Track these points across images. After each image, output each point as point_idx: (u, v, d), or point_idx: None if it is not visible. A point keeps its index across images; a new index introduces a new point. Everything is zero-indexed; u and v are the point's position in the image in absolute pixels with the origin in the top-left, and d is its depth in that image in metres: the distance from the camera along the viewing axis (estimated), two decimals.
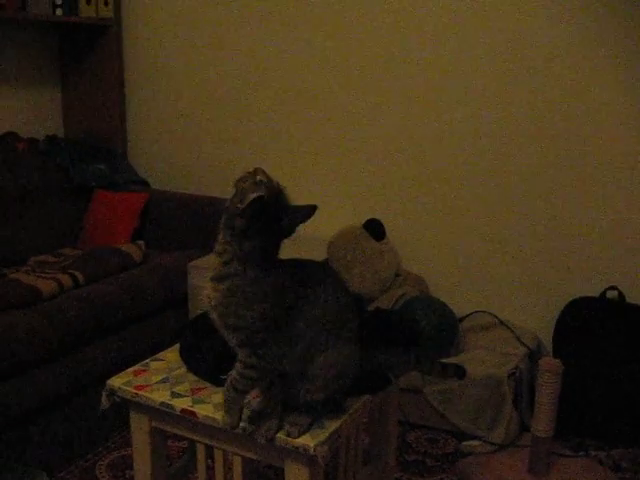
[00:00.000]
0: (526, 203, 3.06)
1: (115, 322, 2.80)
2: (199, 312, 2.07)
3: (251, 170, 1.42)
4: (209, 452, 1.73)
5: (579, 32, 2.85)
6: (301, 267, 1.51)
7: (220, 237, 1.44)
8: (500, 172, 3.08)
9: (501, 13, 2.96)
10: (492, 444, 2.68)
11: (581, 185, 2.96)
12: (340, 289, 1.53)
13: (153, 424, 1.74)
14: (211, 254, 1.45)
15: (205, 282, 1.46)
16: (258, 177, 1.40)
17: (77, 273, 2.89)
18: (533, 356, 2.90)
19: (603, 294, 2.90)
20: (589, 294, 2.94)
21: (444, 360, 2.80)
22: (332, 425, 1.55)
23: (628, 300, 2.88)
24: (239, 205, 1.37)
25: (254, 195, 1.35)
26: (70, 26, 3.69)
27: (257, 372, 1.46)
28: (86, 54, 3.76)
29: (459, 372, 1.73)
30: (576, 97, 2.90)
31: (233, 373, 1.48)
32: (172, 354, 1.88)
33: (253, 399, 1.49)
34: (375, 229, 3.24)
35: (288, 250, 1.52)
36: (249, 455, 1.62)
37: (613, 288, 2.89)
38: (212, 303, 1.44)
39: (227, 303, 1.42)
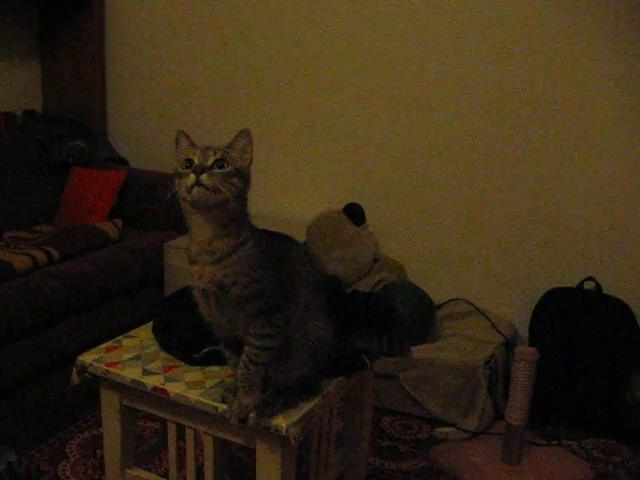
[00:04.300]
0: (506, 193, 3.05)
1: (89, 300, 2.76)
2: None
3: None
4: (180, 432, 1.71)
5: (575, 24, 2.83)
6: (270, 233, 1.52)
7: (208, 219, 1.39)
8: (480, 162, 3.07)
9: (497, 11, 2.94)
10: (466, 431, 2.68)
11: (561, 176, 2.95)
12: (307, 261, 1.55)
13: (124, 402, 1.72)
14: (209, 241, 1.40)
15: (203, 270, 1.40)
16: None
17: (52, 249, 2.85)
18: (509, 345, 2.91)
19: (580, 285, 2.91)
20: (566, 284, 2.94)
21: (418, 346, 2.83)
22: (305, 406, 1.54)
23: (605, 291, 2.88)
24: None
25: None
26: None
27: (273, 340, 1.44)
28: (67, 27, 3.68)
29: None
30: (560, 91, 2.89)
31: (246, 350, 1.44)
32: (145, 332, 1.86)
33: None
34: (355, 213, 3.22)
35: None
36: (221, 435, 1.61)
37: (590, 279, 2.90)
38: (225, 282, 1.39)
39: (246, 271, 1.39)
